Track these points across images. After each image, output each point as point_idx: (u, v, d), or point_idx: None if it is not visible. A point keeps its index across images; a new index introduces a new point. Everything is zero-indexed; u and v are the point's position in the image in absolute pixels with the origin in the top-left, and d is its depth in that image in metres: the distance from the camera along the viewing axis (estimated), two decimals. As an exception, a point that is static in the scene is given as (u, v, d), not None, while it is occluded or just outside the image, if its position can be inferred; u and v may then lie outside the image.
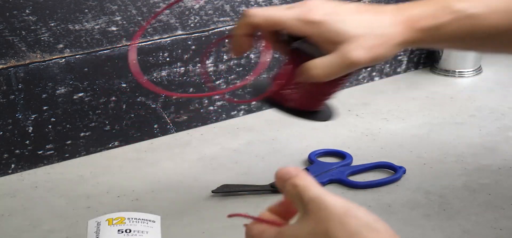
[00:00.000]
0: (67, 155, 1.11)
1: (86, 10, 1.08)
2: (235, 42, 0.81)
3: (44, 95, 1.07)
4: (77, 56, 1.09)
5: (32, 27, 1.04)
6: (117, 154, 1.13)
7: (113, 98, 1.13)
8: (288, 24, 0.76)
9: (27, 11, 1.03)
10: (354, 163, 1.06)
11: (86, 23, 1.09)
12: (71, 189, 1.03)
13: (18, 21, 1.03)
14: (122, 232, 0.80)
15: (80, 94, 1.10)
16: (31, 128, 1.07)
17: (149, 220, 0.83)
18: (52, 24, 1.06)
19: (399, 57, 1.44)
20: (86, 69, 1.10)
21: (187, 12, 1.17)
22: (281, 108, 0.82)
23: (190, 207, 0.97)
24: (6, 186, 1.04)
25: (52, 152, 1.10)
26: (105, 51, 1.11)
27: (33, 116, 1.07)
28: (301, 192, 0.60)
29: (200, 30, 1.18)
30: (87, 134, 1.12)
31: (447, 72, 1.44)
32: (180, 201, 0.98)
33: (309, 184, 0.60)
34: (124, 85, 1.14)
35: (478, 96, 1.33)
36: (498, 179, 1.00)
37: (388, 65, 1.43)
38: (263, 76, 1.03)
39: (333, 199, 0.58)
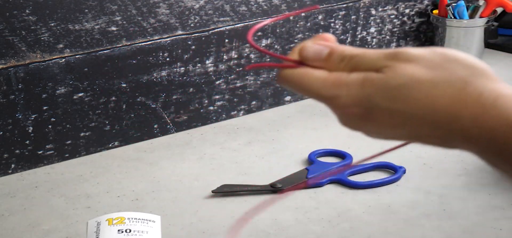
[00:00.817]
0: (67, 155, 1.11)
1: (86, 10, 1.08)
2: None
3: (44, 95, 1.07)
4: (77, 56, 1.09)
5: (32, 27, 1.04)
6: (117, 154, 1.13)
7: (113, 98, 1.13)
8: None
9: (27, 11, 1.03)
10: (354, 163, 1.06)
11: (86, 23, 1.09)
12: (71, 189, 1.03)
13: (18, 21, 1.03)
14: (122, 232, 0.80)
15: (80, 94, 1.10)
16: (31, 128, 1.07)
17: (149, 220, 0.83)
18: (52, 24, 1.06)
19: (399, 57, 1.44)
20: (86, 69, 1.10)
21: (187, 12, 1.17)
22: None
23: (190, 207, 0.97)
24: (6, 186, 1.04)
25: (52, 152, 1.10)
26: (105, 51, 1.11)
27: (33, 116, 1.07)
28: (366, 54, 0.54)
29: (200, 30, 1.18)
30: (87, 134, 1.12)
31: (447, 72, 1.44)
32: (180, 201, 0.98)
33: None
34: (124, 85, 1.14)
35: (478, 96, 1.32)
36: (498, 179, 1.00)
37: (388, 65, 1.43)
38: None
39: (414, 49, 0.54)
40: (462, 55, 0.53)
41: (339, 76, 0.54)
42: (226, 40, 1.21)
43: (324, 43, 0.57)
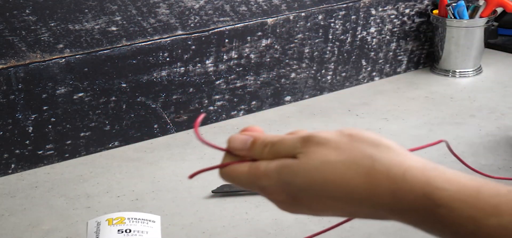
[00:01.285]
0: (67, 155, 1.11)
1: (86, 10, 1.08)
2: None
3: (44, 95, 1.07)
4: (77, 56, 1.09)
5: (32, 27, 1.04)
6: (117, 154, 1.13)
7: (113, 98, 1.13)
8: None
9: (27, 11, 1.03)
10: None
11: (86, 23, 1.09)
12: (71, 189, 1.03)
13: (18, 21, 1.03)
14: (122, 232, 0.80)
15: (80, 94, 1.10)
16: (31, 128, 1.07)
17: (149, 220, 0.83)
18: (52, 24, 1.06)
19: (399, 57, 1.44)
20: (86, 69, 1.10)
21: (187, 12, 1.17)
22: None
23: (190, 207, 0.97)
24: (6, 186, 1.04)
25: (52, 152, 1.10)
26: (105, 51, 1.11)
27: (33, 116, 1.07)
28: (284, 140, 0.57)
29: (200, 30, 1.18)
30: (87, 134, 1.12)
31: (447, 72, 1.44)
32: (180, 201, 0.98)
33: (278, 136, 0.58)
34: (124, 85, 1.14)
35: (478, 96, 1.33)
36: (497, 181, 1.00)
37: (388, 65, 1.43)
38: None
39: (322, 132, 0.56)
40: (367, 134, 0.55)
41: (257, 168, 0.57)
42: (226, 40, 1.21)
43: (248, 133, 0.59)
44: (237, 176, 0.58)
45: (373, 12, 1.37)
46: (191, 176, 0.61)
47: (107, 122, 1.14)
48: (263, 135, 0.59)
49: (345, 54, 1.36)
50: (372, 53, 1.40)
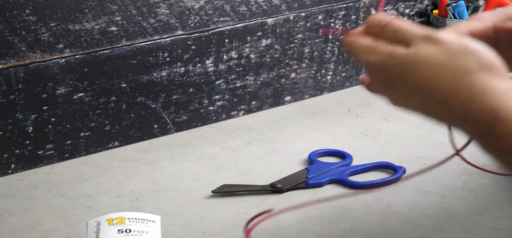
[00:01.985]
0: (67, 155, 1.11)
1: (86, 10, 1.08)
2: None
3: (44, 95, 1.07)
4: (77, 56, 1.09)
5: (32, 27, 1.04)
6: (117, 154, 1.13)
7: (113, 98, 1.13)
8: None
9: (27, 11, 1.03)
10: (354, 163, 1.06)
11: (86, 23, 1.09)
12: (71, 189, 1.03)
13: (18, 21, 1.03)
14: (122, 232, 0.80)
15: (80, 94, 1.10)
16: (31, 128, 1.07)
17: (149, 220, 0.83)
18: (52, 24, 1.06)
19: (399, 57, 1.44)
20: (86, 69, 1.10)
21: (187, 12, 1.17)
22: None
23: (190, 207, 0.97)
24: (6, 186, 1.04)
25: (52, 152, 1.10)
26: (105, 51, 1.11)
27: (33, 116, 1.07)
28: (410, 31, 0.63)
29: (200, 30, 1.19)
30: (87, 134, 1.12)
31: (447, 72, 1.44)
32: (180, 201, 0.98)
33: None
34: (124, 85, 1.14)
35: (478, 96, 1.32)
36: (498, 179, 1.00)
37: (388, 65, 1.43)
38: None
39: (448, 35, 0.62)
40: (481, 48, 0.61)
41: (376, 45, 0.65)
42: (226, 40, 1.21)
43: (388, 15, 0.67)
44: (355, 46, 0.66)
45: (373, 12, 1.37)
46: (323, 33, 0.67)
47: (107, 122, 1.14)
48: (397, 21, 0.65)
49: (345, 54, 1.36)
50: (372, 53, 1.40)
